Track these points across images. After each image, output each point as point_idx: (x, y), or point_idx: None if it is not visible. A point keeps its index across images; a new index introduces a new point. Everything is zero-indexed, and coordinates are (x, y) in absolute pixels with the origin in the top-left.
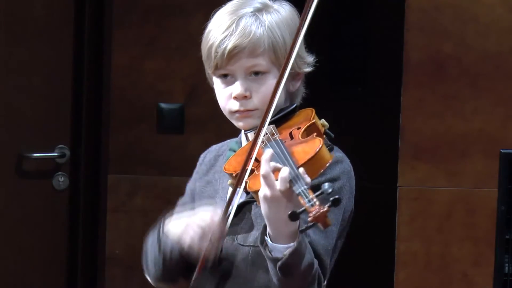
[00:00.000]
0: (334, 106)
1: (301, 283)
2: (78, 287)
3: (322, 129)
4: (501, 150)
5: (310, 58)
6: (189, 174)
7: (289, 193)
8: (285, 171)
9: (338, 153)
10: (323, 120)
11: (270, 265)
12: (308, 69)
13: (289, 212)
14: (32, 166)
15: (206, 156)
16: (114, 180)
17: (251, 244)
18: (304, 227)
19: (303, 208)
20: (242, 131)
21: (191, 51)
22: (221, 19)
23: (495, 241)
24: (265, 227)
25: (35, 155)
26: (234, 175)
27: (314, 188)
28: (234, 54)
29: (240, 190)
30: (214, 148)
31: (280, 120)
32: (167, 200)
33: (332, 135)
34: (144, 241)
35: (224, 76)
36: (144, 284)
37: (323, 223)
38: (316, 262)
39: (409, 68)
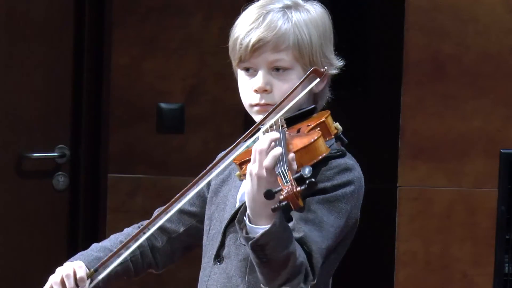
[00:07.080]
0: (334, 106)
1: (280, 272)
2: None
3: (334, 131)
4: (501, 150)
5: (337, 62)
6: (189, 174)
7: (272, 172)
8: (277, 150)
9: (350, 161)
10: (337, 123)
11: (248, 248)
12: (333, 72)
13: (265, 190)
14: (32, 166)
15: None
16: (114, 180)
17: None
18: (275, 206)
19: (279, 188)
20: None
21: (191, 51)
22: (249, 13)
23: (495, 241)
24: (245, 208)
25: (35, 155)
26: (238, 163)
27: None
28: (257, 47)
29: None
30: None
31: (296, 119)
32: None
33: (346, 140)
34: None
35: (247, 70)
36: (144, 284)
37: (294, 203)
38: (302, 255)
39: (409, 68)
